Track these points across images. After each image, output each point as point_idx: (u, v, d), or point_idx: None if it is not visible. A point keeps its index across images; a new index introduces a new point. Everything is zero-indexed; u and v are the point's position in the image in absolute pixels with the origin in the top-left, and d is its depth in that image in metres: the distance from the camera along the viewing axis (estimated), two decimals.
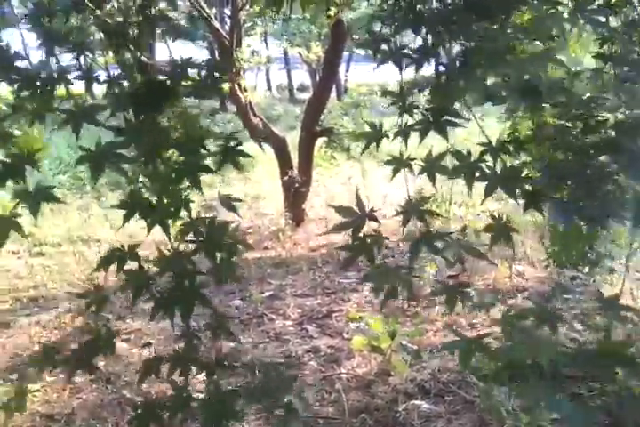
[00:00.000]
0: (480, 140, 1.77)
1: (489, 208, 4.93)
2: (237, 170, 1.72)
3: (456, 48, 1.67)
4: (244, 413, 1.69)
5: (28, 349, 3.75)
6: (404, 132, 1.69)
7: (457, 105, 1.74)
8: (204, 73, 1.69)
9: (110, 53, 1.76)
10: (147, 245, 1.90)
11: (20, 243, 5.44)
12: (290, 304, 4.29)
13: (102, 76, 1.70)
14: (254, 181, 7.86)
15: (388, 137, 1.72)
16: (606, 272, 3.94)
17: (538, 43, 1.64)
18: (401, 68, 1.70)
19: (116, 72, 1.71)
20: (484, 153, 1.69)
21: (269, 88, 20.08)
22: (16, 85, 1.62)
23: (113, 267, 1.71)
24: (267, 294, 4.51)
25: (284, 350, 3.63)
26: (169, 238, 1.65)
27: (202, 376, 1.77)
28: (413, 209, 1.69)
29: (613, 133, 1.67)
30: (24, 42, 1.77)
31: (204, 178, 1.73)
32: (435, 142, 1.88)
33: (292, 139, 6.39)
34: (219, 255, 1.67)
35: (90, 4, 1.69)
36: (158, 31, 1.83)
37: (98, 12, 1.70)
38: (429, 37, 1.65)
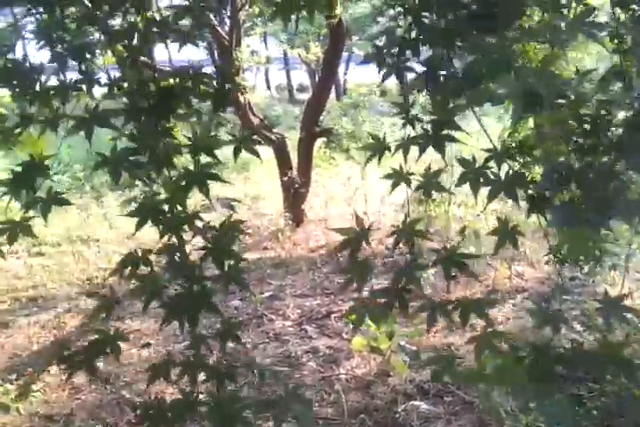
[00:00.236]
0: (480, 140, 1.77)
1: (489, 208, 4.93)
2: (257, 157, 1.73)
3: (459, 62, 1.66)
4: (253, 421, 1.69)
5: (27, 349, 3.75)
6: (404, 146, 1.70)
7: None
8: (214, 83, 1.70)
9: (110, 54, 1.76)
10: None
11: (19, 243, 5.43)
12: (289, 305, 4.29)
13: (102, 76, 1.71)
14: (254, 182, 7.86)
15: (390, 149, 1.73)
16: (607, 272, 3.93)
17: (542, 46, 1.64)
18: (403, 82, 1.70)
19: (116, 73, 1.71)
20: (489, 159, 1.69)
21: (269, 88, 20.07)
22: (28, 97, 1.63)
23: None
24: (266, 294, 4.51)
25: (283, 350, 3.63)
26: (182, 245, 1.66)
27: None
28: (404, 233, 1.70)
29: (621, 131, 1.66)
30: (25, 49, 1.78)
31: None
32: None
33: (292, 139, 6.39)
34: (227, 263, 1.68)
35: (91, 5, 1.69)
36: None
37: (99, 13, 1.70)
38: (433, 51, 1.65)
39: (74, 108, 1.67)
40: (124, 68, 1.68)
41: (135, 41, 1.69)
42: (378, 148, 1.74)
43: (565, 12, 1.61)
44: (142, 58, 1.76)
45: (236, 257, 1.69)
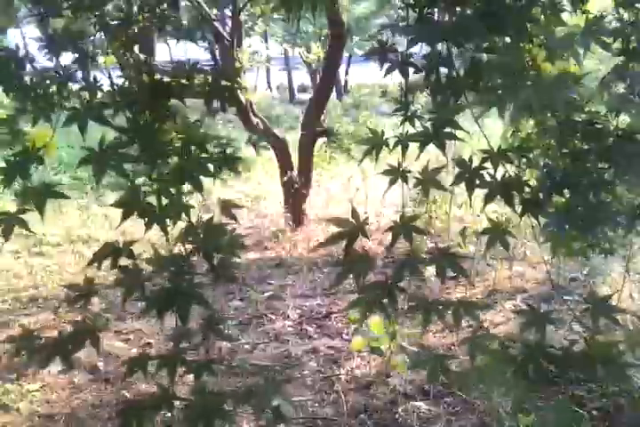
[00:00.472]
0: (479, 140, 1.77)
1: (490, 209, 4.92)
2: (236, 174, 1.72)
3: (465, 59, 1.66)
4: (234, 413, 1.68)
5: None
6: (403, 142, 1.69)
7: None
8: (210, 78, 1.70)
9: (110, 54, 1.76)
10: (143, 245, 1.89)
11: (19, 242, 5.43)
12: (289, 305, 4.29)
13: (101, 75, 1.71)
14: (254, 182, 7.86)
15: (388, 145, 1.72)
16: (607, 273, 3.93)
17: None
18: (407, 77, 1.69)
19: (116, 73, 1.71)
20: (485, 160, 1.69)
21: (269, 88, 20.06)
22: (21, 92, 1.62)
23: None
24: (266, 294, 4.51)
25: (283, 350, 3.63)
26: (167, 239, 1.65)
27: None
28: (402, 228, 1.69)
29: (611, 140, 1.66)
30: (25, 42, 1.78)
31: (204, 178, 1.74)
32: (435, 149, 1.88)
33: (293, 139, 6.39)
34: (216, 256, 1.66)
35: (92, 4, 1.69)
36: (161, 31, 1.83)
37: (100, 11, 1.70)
38: (438, 48, 1.64)
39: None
40: (120, 58, 1.68)
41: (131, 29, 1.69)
42: (376, 142, 1.73)
43: (569, 17, 1.61)
44: (142, 57, 1.76)
45: (226, 251, 1.67)
